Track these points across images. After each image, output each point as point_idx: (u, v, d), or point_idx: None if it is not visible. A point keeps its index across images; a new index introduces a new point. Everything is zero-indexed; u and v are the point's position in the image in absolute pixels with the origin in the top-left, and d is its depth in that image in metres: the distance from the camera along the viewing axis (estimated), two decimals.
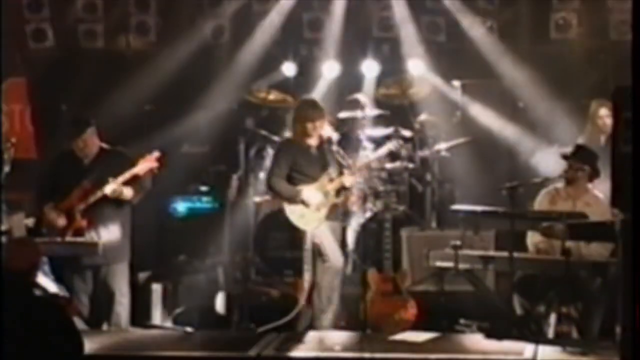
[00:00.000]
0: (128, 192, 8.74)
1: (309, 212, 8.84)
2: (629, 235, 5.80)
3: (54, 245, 8.54)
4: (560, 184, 8.73)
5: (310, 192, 8.85)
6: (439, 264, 8.59)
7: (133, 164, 8.77)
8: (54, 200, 8.76)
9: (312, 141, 8.96)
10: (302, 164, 8.92)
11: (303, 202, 8.83)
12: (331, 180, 8.91)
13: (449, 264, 8.47)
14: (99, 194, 8.66)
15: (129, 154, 8.94)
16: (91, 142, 8.83)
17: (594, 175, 8.60)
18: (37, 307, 5.85)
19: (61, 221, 8.73)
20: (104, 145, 8.94)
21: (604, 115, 9.68)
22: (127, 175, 8.69)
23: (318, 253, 8.85)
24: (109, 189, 8.64)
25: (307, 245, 8.89)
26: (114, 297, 8.79)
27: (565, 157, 8.68)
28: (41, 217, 8.84)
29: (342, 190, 8.98)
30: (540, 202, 8.77)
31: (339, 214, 9.13)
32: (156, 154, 8.86)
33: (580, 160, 8.60)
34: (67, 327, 5.86)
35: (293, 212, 8.87)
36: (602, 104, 9.75)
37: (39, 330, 5.72)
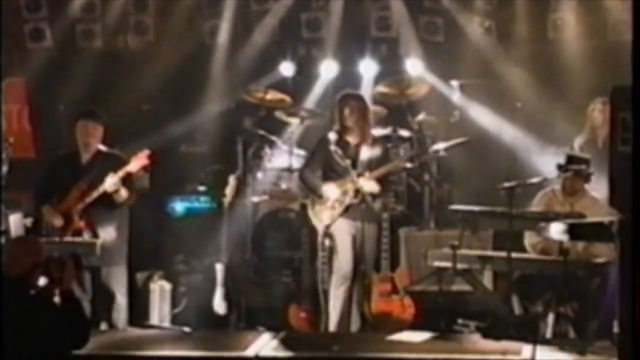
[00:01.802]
0: (124, 192, 8.74)
1: (324, 207, 8.78)
2: (628, 235, 5.81)
3: (52, 245, 8.53)
4: (557, 186, 8.75)
5: (329, 187, 8.76)
6: (437, 263, 8.59)
7: (126, 163, 8.78)
8: (52, 202, 8.76)
9: (351, 138, 8.84)
10: (336, 160, 8.76)
11: (320, 197, 8.79)
12: (352, 180, 8.71)
13: (447, 264, 8.47)
14: (100, 190, 8.66)
15: (126, 157, 8.94)
16: (93, 133, 8.85)
17: (588, 175, 8.61)
18: (37, 306, 5.84)
19: (59, 222, 8.73)
20: (103, 148, 8.95)
21: (602, 115, 9.67)
22: (120, 173, 8.70)
23: (331, 253, 8.82)
24: (108, 183, 8.64)
25: (319, 243, 8.86)
26: (113, 297, 8.80)
27: (560, 167, 8.68)
28: (39, 218, 8.85)
29: (361, 192, 8.69)
30: (537, 204, 8.78)
31: (362, 214, 8.72)
32: (147, 151, 8.88)
33: (575, 168, 8.61)
34: (69, 320, 5.84)
35: (312, 207, 8.85)
36: (600, 104, 9.75)
37: (40, 329, 5.72)
